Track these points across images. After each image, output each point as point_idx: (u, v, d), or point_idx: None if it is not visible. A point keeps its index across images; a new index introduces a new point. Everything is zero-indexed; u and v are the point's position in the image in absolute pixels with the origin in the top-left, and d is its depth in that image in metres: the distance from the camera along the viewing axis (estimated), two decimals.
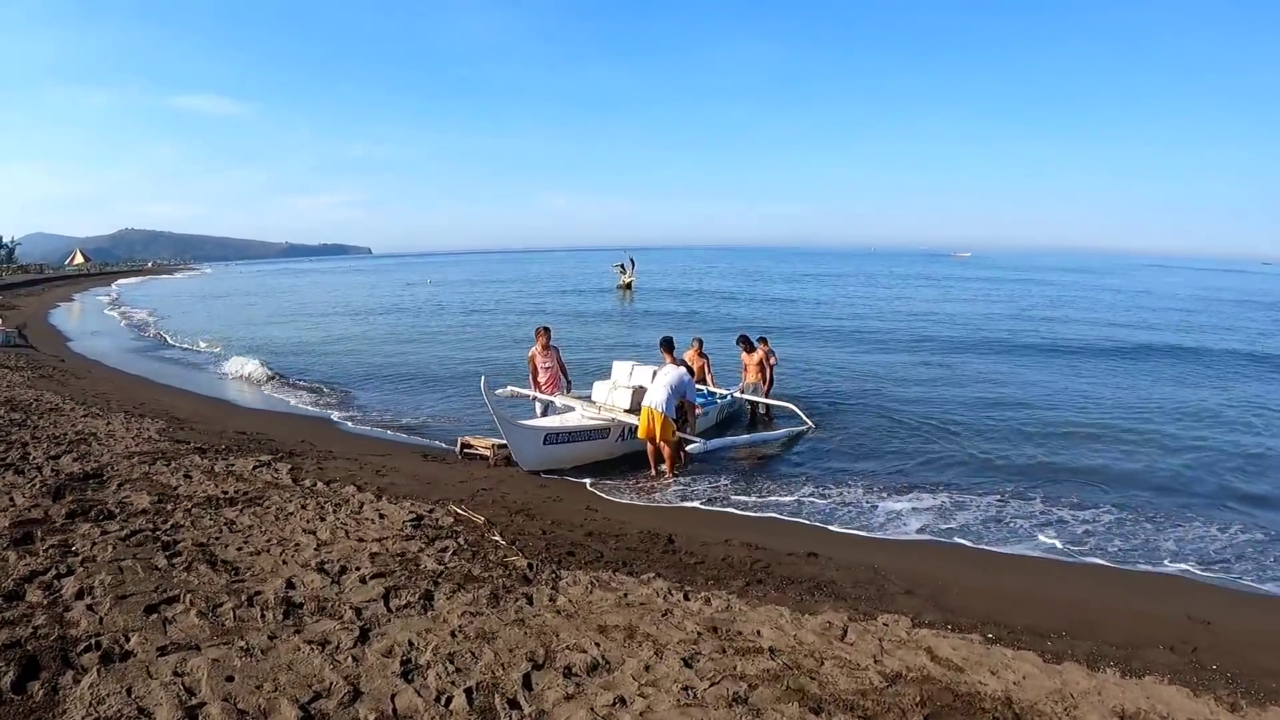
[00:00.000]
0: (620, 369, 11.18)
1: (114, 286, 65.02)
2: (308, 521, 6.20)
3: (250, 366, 18.01)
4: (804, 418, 12.07)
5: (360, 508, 6.71)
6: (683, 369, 9.94)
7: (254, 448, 9.27)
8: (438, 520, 6.38)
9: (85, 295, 53.76)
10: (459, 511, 6.67)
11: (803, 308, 37.16)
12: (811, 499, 8.75)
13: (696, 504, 8.51)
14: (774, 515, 8.05)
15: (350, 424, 12.43)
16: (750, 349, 12.82)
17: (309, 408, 13.92)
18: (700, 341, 12.80)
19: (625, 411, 10.12)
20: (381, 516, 6.42)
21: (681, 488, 9.16)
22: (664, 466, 9.58)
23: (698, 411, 10.69)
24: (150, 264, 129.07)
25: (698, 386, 11.08)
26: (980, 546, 7.23)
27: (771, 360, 13.14)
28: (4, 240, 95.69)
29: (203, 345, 23.93)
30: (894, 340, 24.15)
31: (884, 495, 8.90)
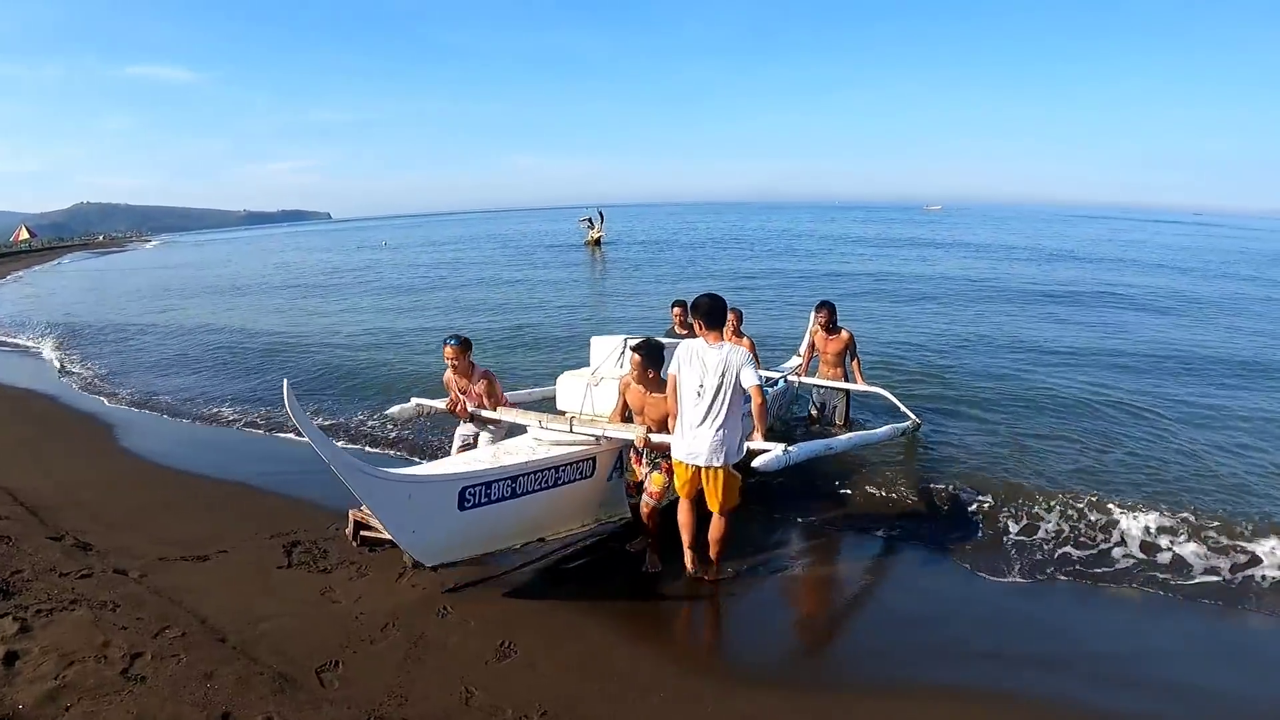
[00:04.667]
0: (603, 347, 6.35)
1: (56, 263, 58.68)
2: None
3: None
4: (904, 409, 7.57)
5: None
6: (743, 349, 4.81)
7: None
8: None
9: (27, 272, 47.25)
10: None
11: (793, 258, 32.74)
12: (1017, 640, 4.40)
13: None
14: None
15: (182, 461, 7.68)
16: (833, 326, 7.87)
17: (130, 437, 8.85)
18: (739, 315, 7.40)
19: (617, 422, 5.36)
20: None
21: (759, 608, 4.77)
22: (706, 561, 5.00)
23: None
24: (101, 237, 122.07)
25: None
26: None
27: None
28: None
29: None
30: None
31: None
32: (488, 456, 5.16)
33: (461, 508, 4.58)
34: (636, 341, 5.24)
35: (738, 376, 4.63)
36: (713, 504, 4.84)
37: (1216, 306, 17.99)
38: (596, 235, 42.69)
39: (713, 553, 5.00)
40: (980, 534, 5.73)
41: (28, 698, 3.29)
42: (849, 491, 6.49)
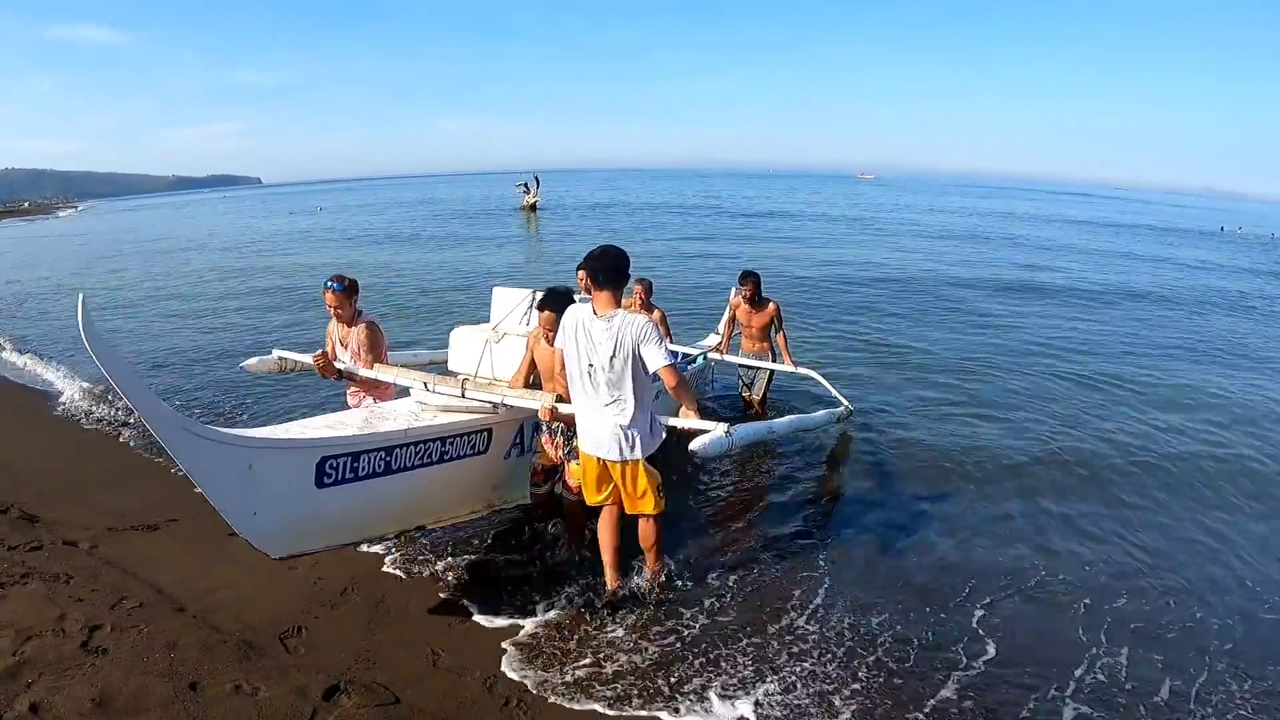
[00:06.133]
0: (507, 299, 5.50)
1: None
2: None
3: None
4: (837, 394, 6.90)
5: None
6: (641, 318, 3.70)
7: None
8: None
9: None
10: None
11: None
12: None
13: None
14: None
15: (120, 427, 7.20)
16: (758, 299, 7.01)
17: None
18: (648, 286, 6.63)
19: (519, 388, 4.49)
20: None
21: (712, 570, 4.46)
22: (641, 572, 4.24)
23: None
24: (28, 204, 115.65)
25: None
26: None
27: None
28: None
29: None
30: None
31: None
32: (357, 421, 4.17)
33: (320, 484, 3.60)
34: (544, 294, 4.30)
35: (637, 355, 3.65)
36: (629, 506, 3.99)
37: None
38: (532, 201, 42.08)
39: (649, 563, 4.20)
40: (915, 522, 5.37)
41: None
42: (795, 469, 6.30)
